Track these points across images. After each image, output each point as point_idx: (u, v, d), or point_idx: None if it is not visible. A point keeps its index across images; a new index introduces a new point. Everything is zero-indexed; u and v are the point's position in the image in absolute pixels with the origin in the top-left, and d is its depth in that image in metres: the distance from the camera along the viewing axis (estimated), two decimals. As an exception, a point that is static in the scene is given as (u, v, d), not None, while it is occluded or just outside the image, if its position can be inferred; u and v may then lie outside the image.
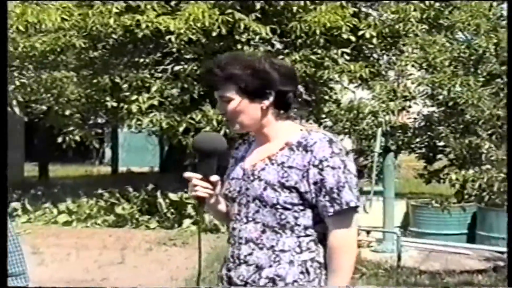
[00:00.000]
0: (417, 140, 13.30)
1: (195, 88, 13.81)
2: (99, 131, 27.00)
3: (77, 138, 15.91)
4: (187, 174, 3.27)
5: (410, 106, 13.55)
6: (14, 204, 13.77)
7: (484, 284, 8.49)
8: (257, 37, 13.10)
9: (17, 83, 15.47)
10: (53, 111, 15.92)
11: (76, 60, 15.09)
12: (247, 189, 3.20)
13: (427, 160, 13.45)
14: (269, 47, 13.58)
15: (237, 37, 13.11)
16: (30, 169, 21.58)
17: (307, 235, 3.10)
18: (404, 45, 14.27)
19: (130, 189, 14.27)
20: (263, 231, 3.15)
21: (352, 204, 3.01)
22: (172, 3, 13.38)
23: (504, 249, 9.07)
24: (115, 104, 14.46)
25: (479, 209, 11.17)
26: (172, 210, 13.02)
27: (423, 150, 13.43)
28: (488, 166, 11.05)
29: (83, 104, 15.50)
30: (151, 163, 24.01)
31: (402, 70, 14.45)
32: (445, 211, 11.30)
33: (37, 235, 11.45)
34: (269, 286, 3.10)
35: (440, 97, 12.35)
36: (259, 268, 3.14)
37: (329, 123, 15.63)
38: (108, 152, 27.95)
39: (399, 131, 12.77)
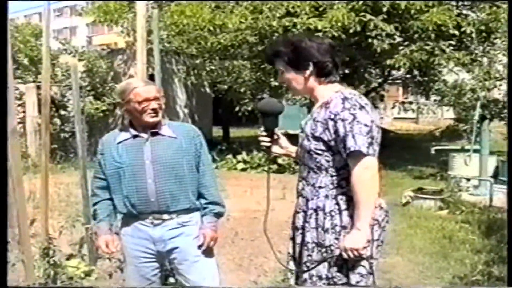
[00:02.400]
0: (505, 110, 12.91)
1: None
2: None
3: (249, 108, 16.30)
4: (258, 133, 3.44)
5: (500, 85, 13.16)
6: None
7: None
8: (384, 33, 12.99)
9: (208, 69, 15.88)
10: (232, 89, 16.32)
11: (249, 52, 15.31)
12: (302, 139, 3.23)
13: (513, 126, 13.07)
14: (392, 40, 13.45)
15: (368, 33, 13.03)
16: (216, 131, 22.00)
17: (339, 175, 3.08)
18: (495, 38, 13.90)
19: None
20: (308, 172, 3.19)
21: (352, 149, 2.92)
22: (320, 8, 13.39)
23: None
24: (276, 84, 14.67)
25: (553, 162, 10.80)
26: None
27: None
28: None
29: (253, 84, 15.78)
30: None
31: (494, 57, 14.10)
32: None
33: (223, 178, 11.73)
34: (314, 215, 3.13)
35: (524, 77, 11.95)
36: (307, 200, 3.19)
37: (437, 97, 15.46)
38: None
39: (492, 104, 12.43)
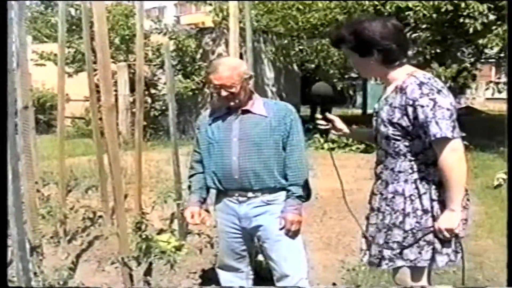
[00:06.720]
0: None
1: (427, 51, 13.62)
2: (353, 83, 27.17)
3: (337, 88, 16.24)
4: (317, 115, 3.58)
5: None
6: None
7: None
8: (476, 12, 12.66)
9: (296, 48, 15.87)
10: (320, 68, 16.25)
11: (338, 30, 15.24)
12: (378, 124, 3.22)
13: None
14: (485, 20, 13.08)
15: (459, 12, 12.74)
16: (304, 110, 22.01)
17: (418, 159, 3.08)
18: None
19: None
20: (386, 156, 3.21)
21: (438, 136, 2.90)
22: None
23: None
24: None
25: None
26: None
27: None
28: None
29: (341, 63, 15.68)
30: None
31: None
32: None
33: (310, 157, 11.75)
34: (392, 199, 3.14)
35: None
36: (386, 183, 3.20)
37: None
38: (359, 99, 27.93)
39: None
